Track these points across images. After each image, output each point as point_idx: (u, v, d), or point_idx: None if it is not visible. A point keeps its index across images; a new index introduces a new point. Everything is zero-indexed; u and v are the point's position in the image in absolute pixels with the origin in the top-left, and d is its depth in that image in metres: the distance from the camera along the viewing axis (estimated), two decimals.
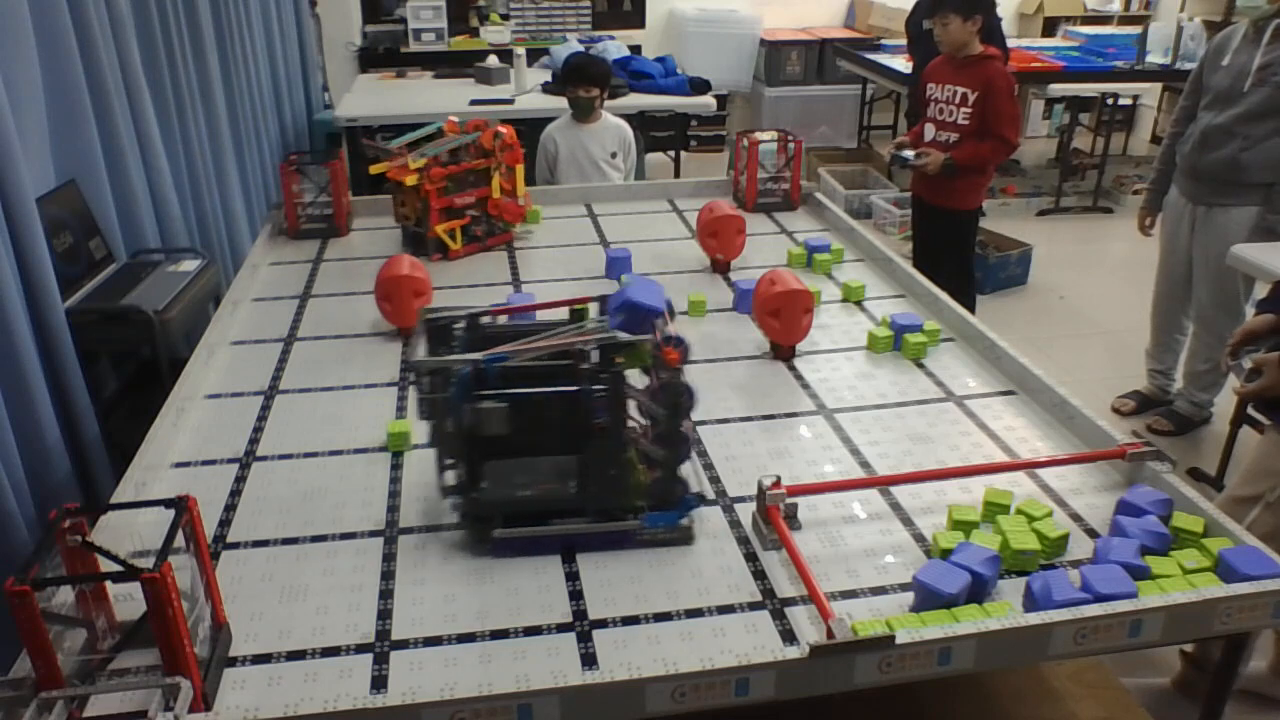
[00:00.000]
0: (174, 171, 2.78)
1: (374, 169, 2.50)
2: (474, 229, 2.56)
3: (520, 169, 2.63)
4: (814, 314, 1.95)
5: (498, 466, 1.36)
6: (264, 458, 1.62)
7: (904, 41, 5.46)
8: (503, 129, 2.56)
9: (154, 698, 1.01)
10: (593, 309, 1.50)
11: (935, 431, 1.68)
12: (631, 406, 1.36)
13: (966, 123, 3.33)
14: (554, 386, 1.31)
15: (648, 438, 1.36)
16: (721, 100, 6.24)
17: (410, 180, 2.41)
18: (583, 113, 3.50)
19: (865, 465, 1.58)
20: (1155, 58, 5.65)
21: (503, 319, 1.51)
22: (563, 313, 1.52)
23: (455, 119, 2.61)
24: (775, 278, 1.91)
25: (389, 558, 1.36)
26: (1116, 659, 1.89)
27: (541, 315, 1.66)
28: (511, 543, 1.36)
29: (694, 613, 1.25)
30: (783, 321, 1.90)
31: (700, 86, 4.70)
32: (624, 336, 1.34)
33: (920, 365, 1.93)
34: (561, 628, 1.23)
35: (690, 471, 1.41)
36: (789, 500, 1.39)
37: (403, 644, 1.20)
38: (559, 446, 1.36)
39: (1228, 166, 2.96)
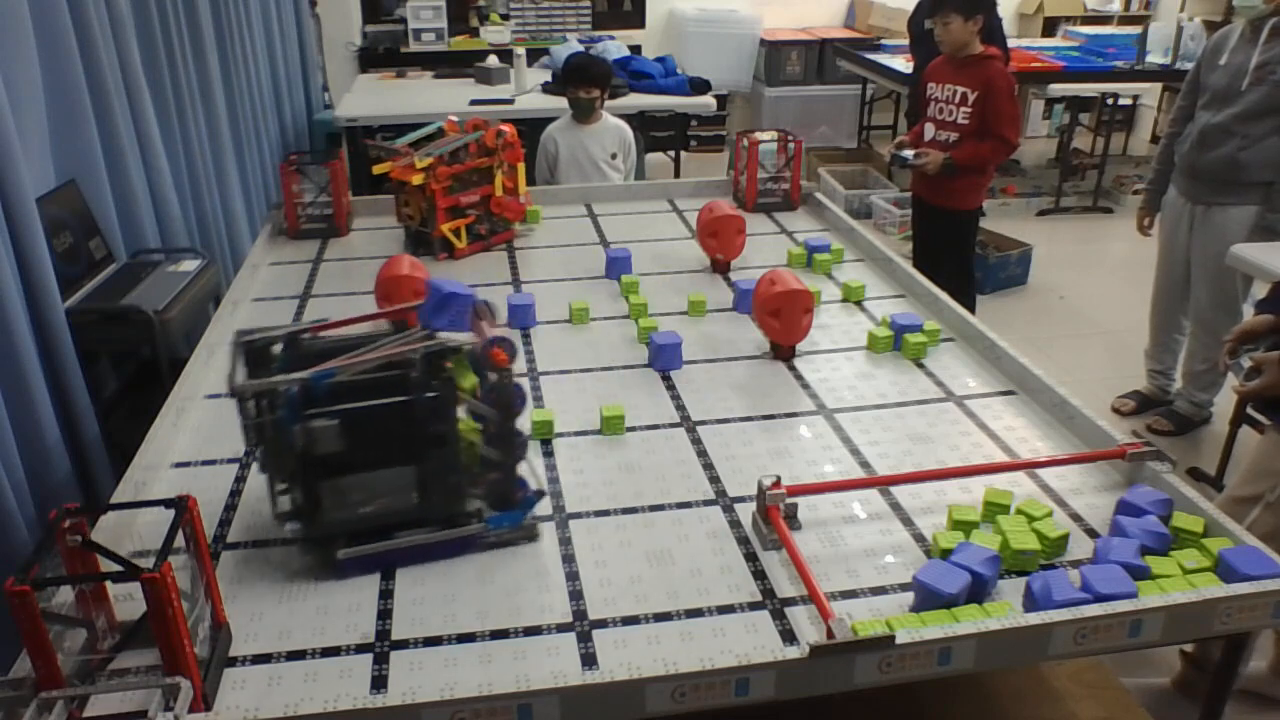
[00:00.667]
0: (174, 171, 2.78)
1: (377, 169, 2.49)
2: (477, 227, 2.57)
3: (521, 167, 2.64)
4: (814, 314, 1.95)
5: (335, 485, 1.29)
6: None
7: (904, 41, 5.47)
8: (505, 127, 2.57)
9: (154, 698, 1.01)
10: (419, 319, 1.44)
11: (935, 431, 1.68)
12: (463, 410, 1.33)
13: (966, 122, 3.33)
14: (385, 399, 1.27)
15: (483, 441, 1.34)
16: (721, 100, 6.24)
17: (416, 180, 2.41)
18: (583, 113, 3.50)
19: (865, 465, 1.58)
20: (1155, 58, 5.65)
21: (324, 334, 1.43)
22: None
23: (455, 118, 2.61)
24: (775, 278, 1.91)
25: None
26: (1116, 659, 1.89)
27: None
28: (356, 561, 1.32)
29: (694, 613, 1.25)
30: (783, 321, 1.90)
31: (700, 86, 4.70)
32: (451, 341, 1.31)
33: (920, 365, 1.93)
34: (561, 628, 1.23)
35: (528, 470, 1.41)
36: (789, 500, 1.39)
37: (403, 644, 1.20)
38: (395, 459, 1.31)
39: (1226, 165, 2.96)
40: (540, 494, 1.44)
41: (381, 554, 1.33)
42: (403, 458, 1.31)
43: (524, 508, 1.40)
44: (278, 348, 1.35)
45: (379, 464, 1.30)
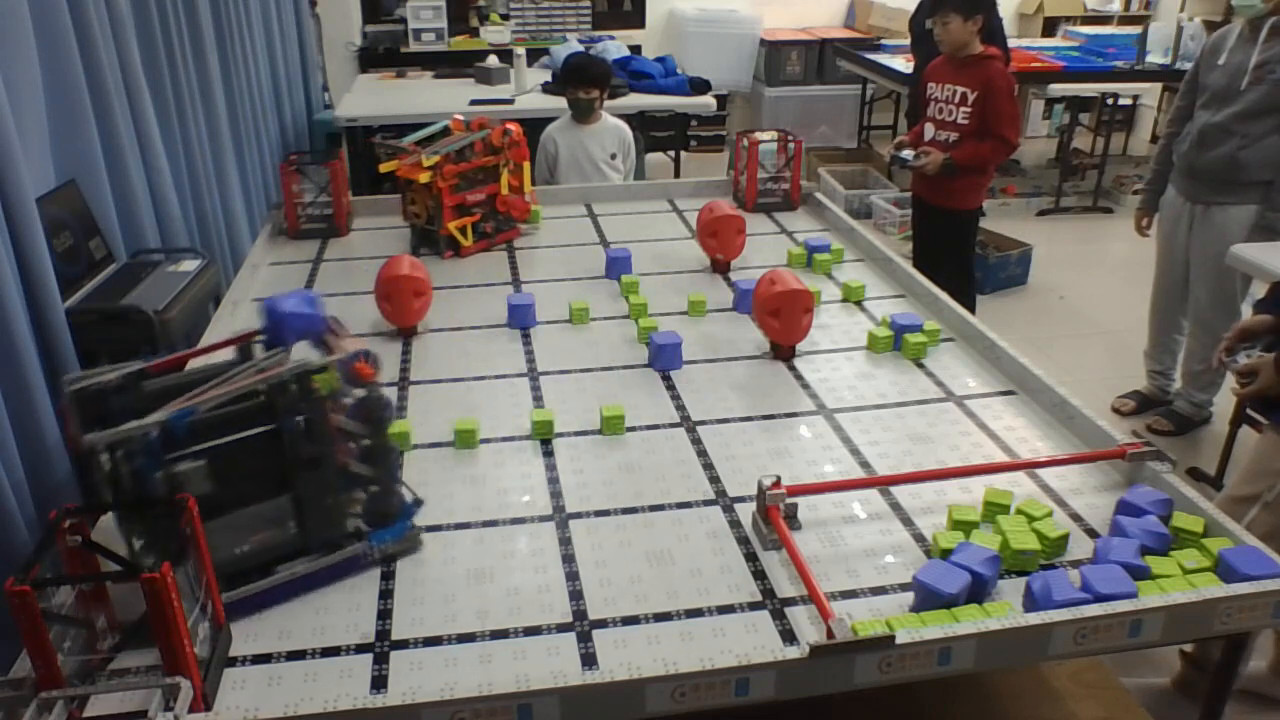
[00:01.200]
0: (174, 171, 2.78)
1: (384, 167, 2.50)
2: (483, 225, 2.58)
3: (527, 165, 2.65)
4: (814, 314, 1.95)
5: (208, 530, 1.17)
6: None
7: (904, 41, 5.47)
8: (511, 126, 2.58)
9: (154, 698, 1.01)
10: (257, 349, 1.37)
11: (935, 431, 1.68)
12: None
13: (966, 122, 3.33)
14: (252, 429, 1.21)
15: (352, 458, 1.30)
16: (721, 100, 6.24)
17: (423, 178, 2.41)
18: (582, 113, 3.49)
19: (865, 465, 1.58)
20: (1155, 58, 5.65)
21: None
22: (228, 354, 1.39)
23: (460, 117, 2.61)
24: (775, 278, 1.92)
25: (389, 557, 1.36)
26: (1116, 659, 1.89)
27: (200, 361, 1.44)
28: (238, 604, 1.26)
29: (694, 613, 1.25)
30: (783, 321, 1.90)
31: (700, 86, 4.70)
32: (314, 362, 1.25)
33: (920, 365, 1.93)
34: (561, 628, 1.23)
35: (403, 482, 1.39)
36: (789, 500, 1.39)
37: (403, 644, 1.20)
38: (269, 491, 1.25)
39: (1226, 165, 2.96)
40: (419, 502, 1.41)
41: (263, 592, 1.27)
42: (277, 488, 1.26)
43: (404, 518, 1.37)
44: (115, 391, 1.21)
45: (252, 499, 1.24)
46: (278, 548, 1.29)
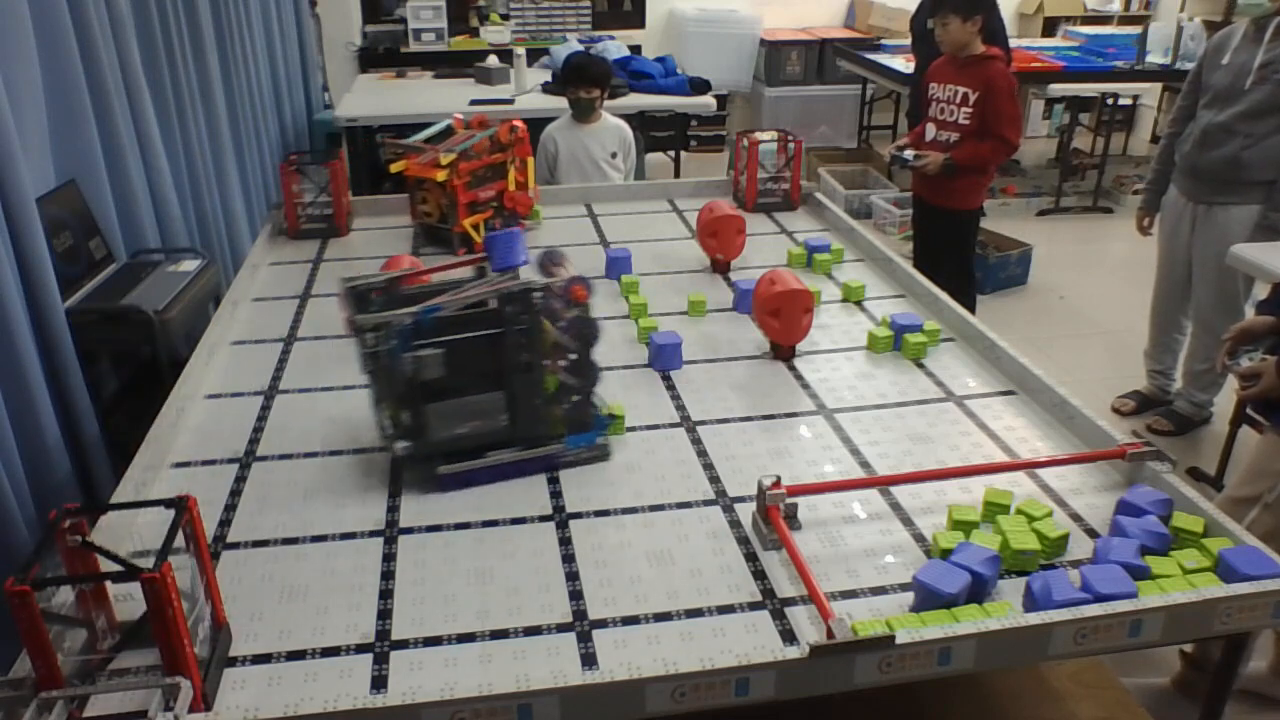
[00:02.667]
0: (174, 171, 2.78)
1: (394, 167, 2.53)
2: (492, 222, 2.60)
3: (531, 161, 2.68)
4: (814, 314, 1.95)
5: (438, 409, 1.47)
6: (264, 458, 1.62)
7: (904, 41, 5.47)
8: (517, 123, 2.61)
9: (154, 698, 1.01)
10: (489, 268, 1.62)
11: (935, 431, 1.68)
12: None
13: (967, 123, 3.33)
14: (481, 331, 1.45)
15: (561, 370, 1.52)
16: (721, 100, 6.24)
17: (440, 176, 2.43)
18: (583, 113, 3.49)
19: (865, 465, 1.58)
20: (1155, 58, 5.65)
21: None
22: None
23: (460, 116, 2.63)
24: (775, 278, 1.92)
25: (389, 558, 1.36)
26: (1116, 659, 1.89)
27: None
28: (454, 476, 1.50)
29: (694, 613, 1.25)
30: (783, 321, 1.90)
31: (700, 86, 4.71)
32: (537, 282, 1.47)
33: (920, 365, 1.93)
34: (561, 628, 1.22)
35: (599, 397, 1.57)
36: (789, 500, 1.39)
37: (403, 644, 1.20)
38: (487, 385, 1.49)
39: (1229, 164, 2.96)
40: (612, 417, 1.61)
41: (476, 470, 1.51)
42: (495, 385, 1.49)
43: (598, 429, 1.57)
44: (377, 292, 1.51)
45: (474, 390, 1.49)
46: (489, 435, 1.52)
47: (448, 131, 2.62)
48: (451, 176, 2.44)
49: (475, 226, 2.53)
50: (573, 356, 1.52)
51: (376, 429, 1.54)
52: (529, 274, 1.54)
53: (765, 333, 1.96)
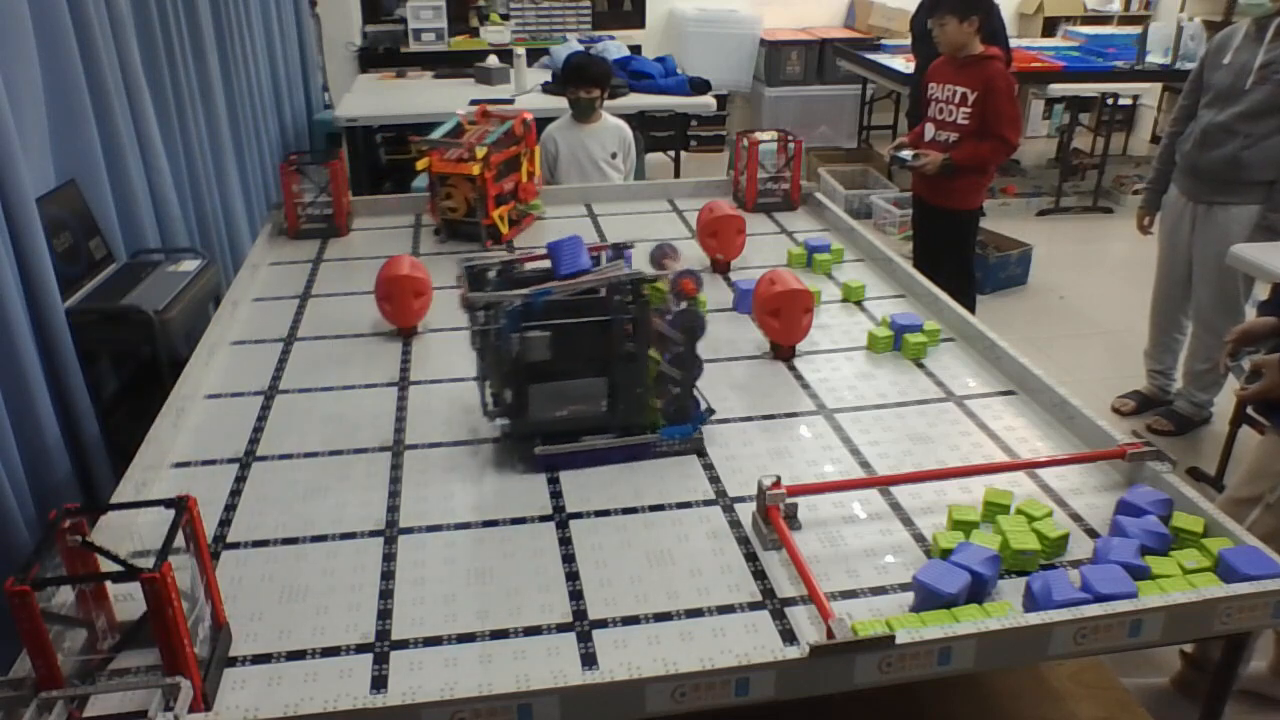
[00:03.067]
0: (174, 171, 2.78)
1: (419, 165, 2.57)
2: (510, 213, 2.65)
3: (537, 150, 2.76)
4: (814, 314, 1.95)
5: (540, 389, 1.53)
6: (264, 458, 1.62)
7: (904, 41, 5.47)
8: (527, 115, 2.65)
9: (154, 698, 1.01)
10: (604, 256, 1.69)
11: (935, 431, 1.68)
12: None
13: (966, 123, 3.33)
14: (588, 318, 1.50)
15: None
16: (721, 100, 6.24)
17: (475, 169, 2.47)
18: (583, 113, 3.49)
19: (865, 465, 1.58)
20: (1155, 58, 5.65)
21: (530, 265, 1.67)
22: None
23: (462, 112, 2.70)
24: (775, 277, 1.92)
25: (389, 558, 1.36)
26: (1116, 659, 1.89)
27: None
28: (549, 457, 1.54)
29: (694, 613, 1.25)
30: (783, 321, 1.90)
31: (700, 86, 4.70)
32: (648, 274, 1.51)
33: (920, 365, 1.93)
34: (561, 628, 1.23)
35: (699, 392, 1.60)
36: (789, 500, 1.39)
37: (403, 644, 1.20)
38: (590, 370, 1.54)
39: (1229, 164, 2.96)
40: (711, 412, 1.64)
41: (572, 454, 1.55)
42: (598, 371, 1.54)
43: (696, 422, 1.60)
44: (493, 272, 1.59)
45: (578, 374, 1.53)
46: (588, 420, 1.56)
47: (457, 129, 2.64)
48: (484, 169, 2.48)
49: (501, 218, 2.58)
50: (678, 349, 1.55)
51: (480, 406, 1.60)
52: (641, 263, 1.62)
53: (765, 333, 1.96)
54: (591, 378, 1.54)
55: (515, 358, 1.48)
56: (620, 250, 1.69)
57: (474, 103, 4.42)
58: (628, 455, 1.58)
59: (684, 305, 1.55)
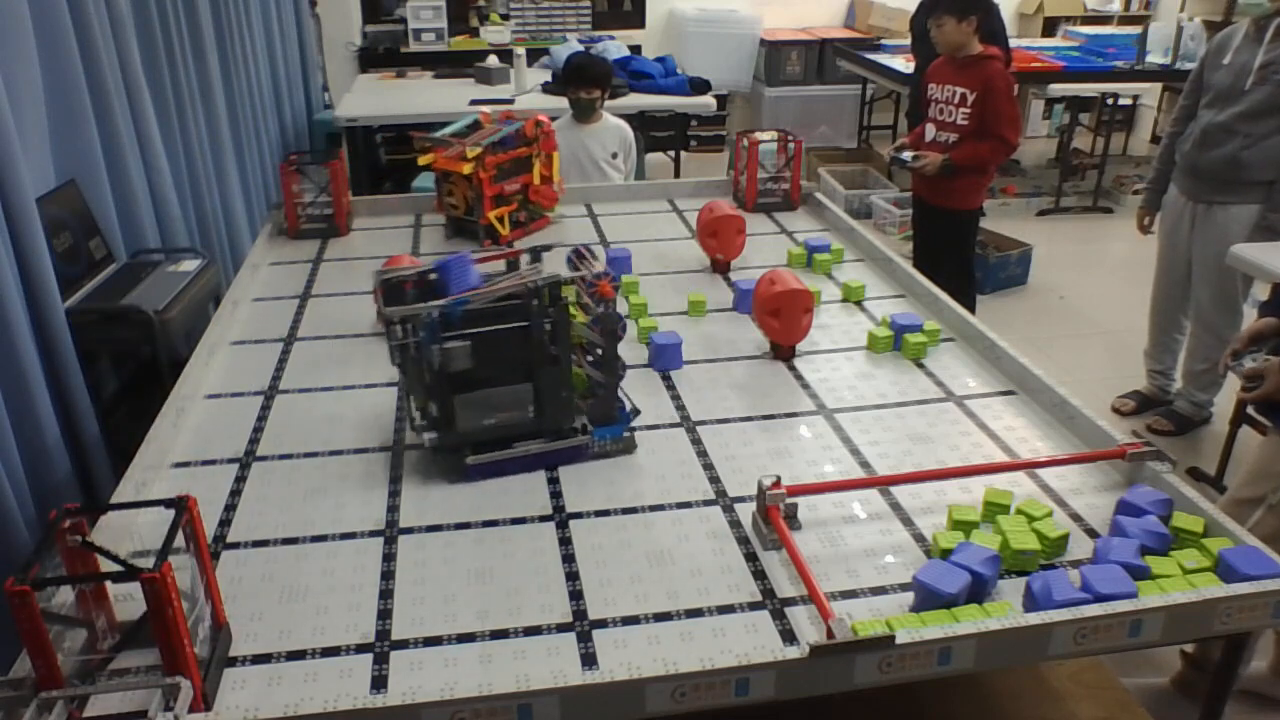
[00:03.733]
0: (174, 171, 2.78)
1: (421, 160, 2.58)
2: (517, 214, 2.64)
3: (556, 156, 2.71)
4: (814, 314, 1.95)
5: (466, 400, 1.51)
6: (264, 458, 1.62)
7: (904, 41, 5.47)
8: (542, 118, 2.64)
9: (154, 698, 1.01)
10: (523, 260, 1.68)
11: (935, 431, 1.68)
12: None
13: (966, 123, 3.33)
14: (509, 324, 1.48)
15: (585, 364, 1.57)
16: (721, 100, 6.24)
17: (466, 169, 2.47)
18: (584, 113, 3.49)
19: (865, 465, 1.58)
20: (1155, 58, 5.65)
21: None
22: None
23: (488, 110, 2.71)
24: (775, 277, 1.91)
25: (389, 558, 1.36)
26: (1116, 659, 1.89)
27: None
28: (481, 467, 1.53)
29: (694, 613, 1.25)
30: (783, 321, 1.90)
31: (700, 86, 4.71)
32: (564, 275, 1.51)
33: (920, 365, 1.93)
34: (561, 628, 1.22)
35: (623, 392, 1.60)
36: (789, 500, 1.39)
37: (403, 644, 1.20)
38: (515, 377, 1.52)
39: (1229, 164, 2.96)
40: (636, 412, 1.63)
41: (503, 461, 1.55)
42: (522, 376, 1.53)
43: (623, 423, 1.61)
44: (410, 284, 1.58)
45: (501, 382, 1.52)
46: (516, 427, 1.55)
47: (475, 126, 2.66)
48: (478, 170, 2.48)
49: (500, 219, 2.57)
50: (599, 351, 1.56)
51: (407, 420, 1.62)
52: (557, 266, 1.61)
53: (765, 333, 1.96)
54: (515, 384, 1.52)
55: (438, 369, 1.45)
56: (537, 254, 1.67)
57: (474, 103, 4.45)
58: (559, 460, 1.57)
59: (602, 308, 1.53)
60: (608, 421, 1.59)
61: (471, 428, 1.52)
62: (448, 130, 2.62)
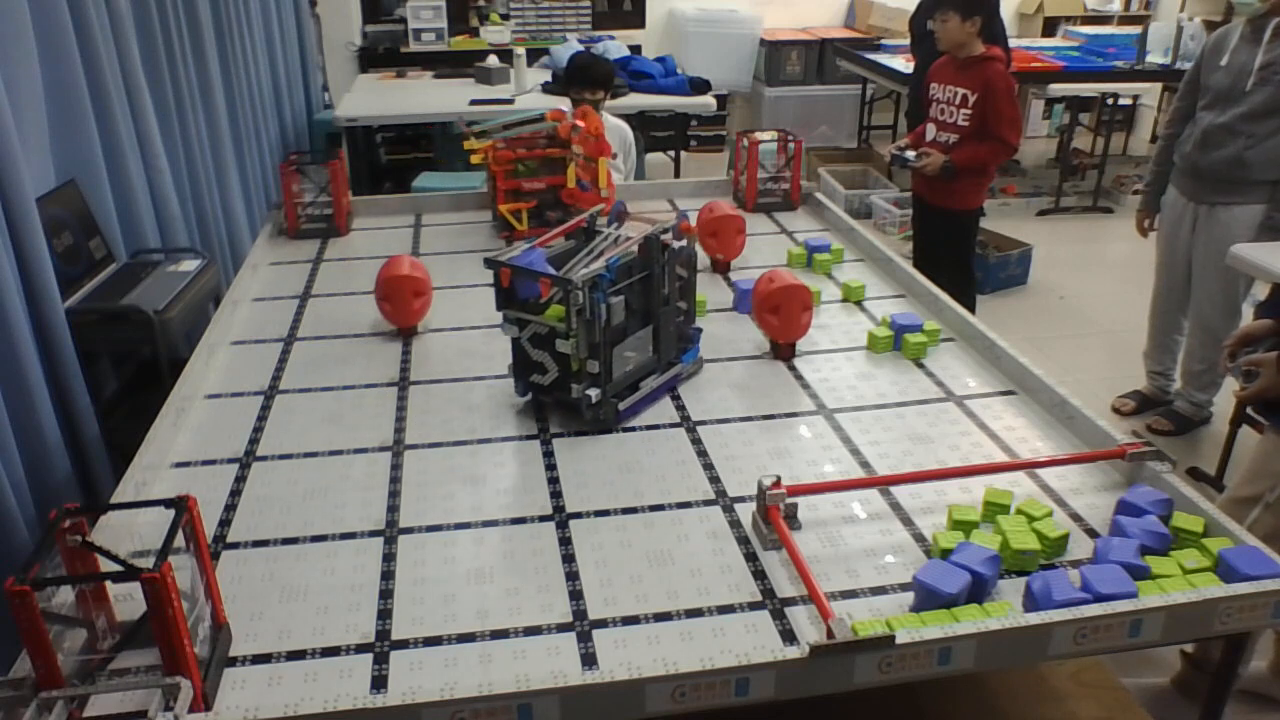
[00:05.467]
0: (174, 171, 2.78)
1: (467, 145, 2.60)
2: (547, 214, 2.63)
3: (603, 162, 2.65)
4: (814, 313, 1.95)
5: (619, 351, 1.66)
6: (264, 458, 1.62)
7: (904, 41, 5.47)
8: (580, 122, 2.61)
9: (154, 698, 1.01)
10: (601, 222, 1.84)
11: (935, 431, 1.68)
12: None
13: (966, 124, 3.32)
14: (636, 276, 1.66)
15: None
16: (721, 100, 6.24)
17: (476, 159, 2.51)
18: None
19: (865, 465, 1.58)
20: (1155, 58, 5.65)
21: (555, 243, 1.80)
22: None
23: (564, 109, 2.68)
24: (774, 276, 1.92)
25: (389, 558, 1.36)
26: (1116, 659, 1.89)
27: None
28: (627, 411, 1.69)
29: (694, 613, 1.25)
30: (781, 318, 1.91)
31: (700, 86, 4.71)
32: (665, 223, 1.69)
33: (920, 365, 1.93)
34: (561, 628, 1.23)
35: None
36: (789, 500, 1.39)
37: (403, 644, 1.20)
38: (639, 323, 1.70)
39: (1231, 165, 2.95)
40: (699, 331, 1.85)
41: (638, 402, 1.72)
42: (644, 320, 1.70)
43: (696, 343, 1.84)
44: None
45: (632, 330, 1.68)
46: (643, 368, 1.73)
47: (537, 120, 2.65)
48: (489, 161, 2.51)
49: (517, 214, 2.58)
50: (681, 281, 1.74)
51: (519, 387, 1.72)
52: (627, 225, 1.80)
53: (765, 330, 1.96)
54: (639, 330, 1.69)
55: (605, 325, 1.59)
56: (593, 221, 1.80)
57: (474, 103, 4.45)
58: (673, 385, 1.79)
59: (684, 242, 1.71)
60: (688, 346, 1.80)
61: (620, 376, 1.67)
62: (502, 120, 2.64)
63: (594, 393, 1.62)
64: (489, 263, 1.65)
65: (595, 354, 1.61)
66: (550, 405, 1.74)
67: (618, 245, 1.66)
